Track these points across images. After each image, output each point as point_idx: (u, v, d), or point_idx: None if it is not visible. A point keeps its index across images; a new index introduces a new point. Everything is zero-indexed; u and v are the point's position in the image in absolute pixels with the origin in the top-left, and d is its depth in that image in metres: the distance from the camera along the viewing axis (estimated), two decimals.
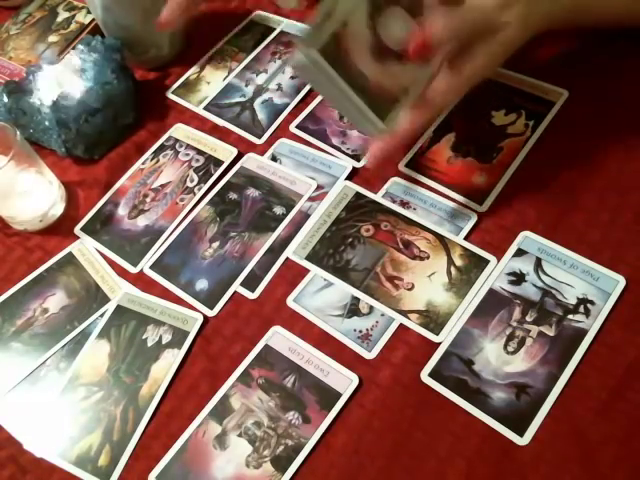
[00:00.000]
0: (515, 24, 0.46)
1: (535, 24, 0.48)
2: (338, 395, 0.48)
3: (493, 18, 0.45)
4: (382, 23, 0.44)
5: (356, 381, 0.48)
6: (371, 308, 0.51)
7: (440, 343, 0.48)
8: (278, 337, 0.51)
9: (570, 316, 0.48)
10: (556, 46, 0.60)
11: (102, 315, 0.55)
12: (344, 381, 0.48)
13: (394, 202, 0.56)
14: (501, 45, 0.47)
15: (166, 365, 0.52)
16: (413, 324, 0.50)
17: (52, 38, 0.75)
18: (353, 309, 0.52)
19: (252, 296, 0.54)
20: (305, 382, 0.49)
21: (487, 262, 0.51)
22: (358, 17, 0.43)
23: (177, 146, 0.66)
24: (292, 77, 0.68)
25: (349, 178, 0.59)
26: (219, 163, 0.63)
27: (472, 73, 0.47)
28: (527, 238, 0.52)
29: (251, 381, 0.50)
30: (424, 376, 0.47)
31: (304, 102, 0.66)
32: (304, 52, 0.42)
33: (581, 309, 0.48)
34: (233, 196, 0.60)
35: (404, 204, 0.56)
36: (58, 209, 0.63)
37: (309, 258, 0.55)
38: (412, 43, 0.43)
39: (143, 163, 0.65)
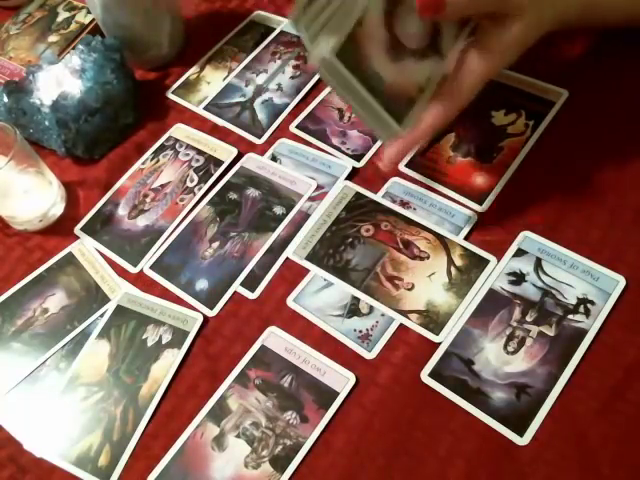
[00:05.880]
0: (529, 12, 0.45)
1: (548, 20, 0.47)
2: (335, 394, 0.48)
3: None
4: (397, 20, 0.43)
5: (353, 379, 0.48)
6: (371, 308, 0.51)
7: (440, 343, 0.48)
8: (274, 337, 0.51)
9: (570, 316, 0.48)
10: (556, 46, 0.60)
11: (102, 315, 0.55)
12: (341, 380, 0.48)
13: (394, 202, 0.56)
14: (514, 38, 0.45)
15: (166, 365, 0.52)
16: (413, 324, 0.50)
17: (52, 38, 0.75)
18: (353, 309, 0.51)
19: (252, 296, 0.54)
20: (302, 382, 0.49)
21: (487, 262, 0.51)
22: (373, 15, 0.42)
23: (177, 146, 0.66)
24: (292, 77, 0.68)
25: (349, 178, 0.59)
26: (219, 163, 0.63)
27: (485, 70, 0.46)
28: (527, 238, 0.52)
29: (248, 382, 0.50)
30: (424, 376, 0.47)
31: (304, 102, 0.66)
32: (319, 56, 0.40)
33: (581, 309, 0.48)
34: (233, 196, 0.60)
35: (404, 204, 0.56)
36: (58, 209, 0.63)
37: (309, 258, 0.55)
38: None
39: (143, 163, 0.65)
